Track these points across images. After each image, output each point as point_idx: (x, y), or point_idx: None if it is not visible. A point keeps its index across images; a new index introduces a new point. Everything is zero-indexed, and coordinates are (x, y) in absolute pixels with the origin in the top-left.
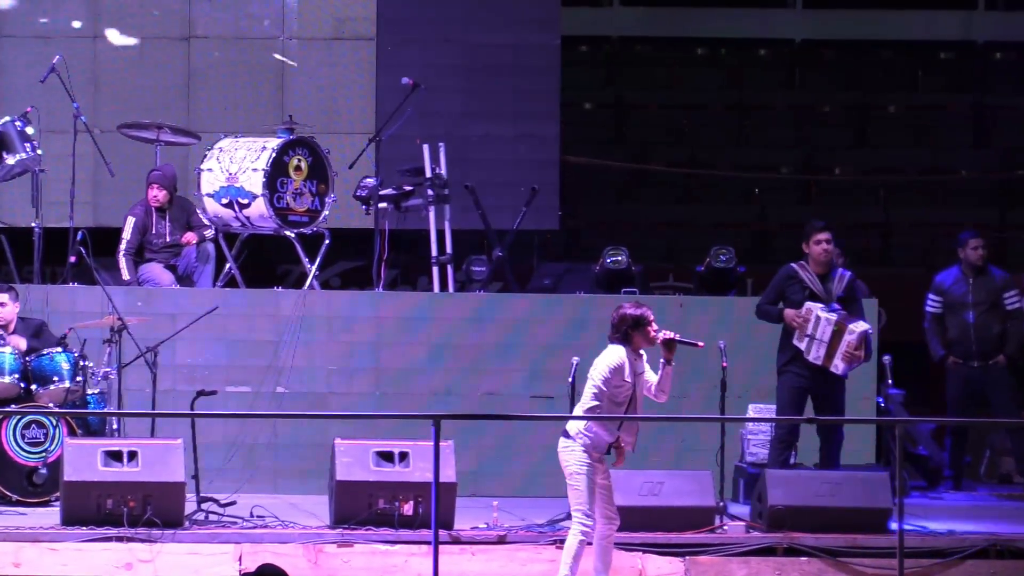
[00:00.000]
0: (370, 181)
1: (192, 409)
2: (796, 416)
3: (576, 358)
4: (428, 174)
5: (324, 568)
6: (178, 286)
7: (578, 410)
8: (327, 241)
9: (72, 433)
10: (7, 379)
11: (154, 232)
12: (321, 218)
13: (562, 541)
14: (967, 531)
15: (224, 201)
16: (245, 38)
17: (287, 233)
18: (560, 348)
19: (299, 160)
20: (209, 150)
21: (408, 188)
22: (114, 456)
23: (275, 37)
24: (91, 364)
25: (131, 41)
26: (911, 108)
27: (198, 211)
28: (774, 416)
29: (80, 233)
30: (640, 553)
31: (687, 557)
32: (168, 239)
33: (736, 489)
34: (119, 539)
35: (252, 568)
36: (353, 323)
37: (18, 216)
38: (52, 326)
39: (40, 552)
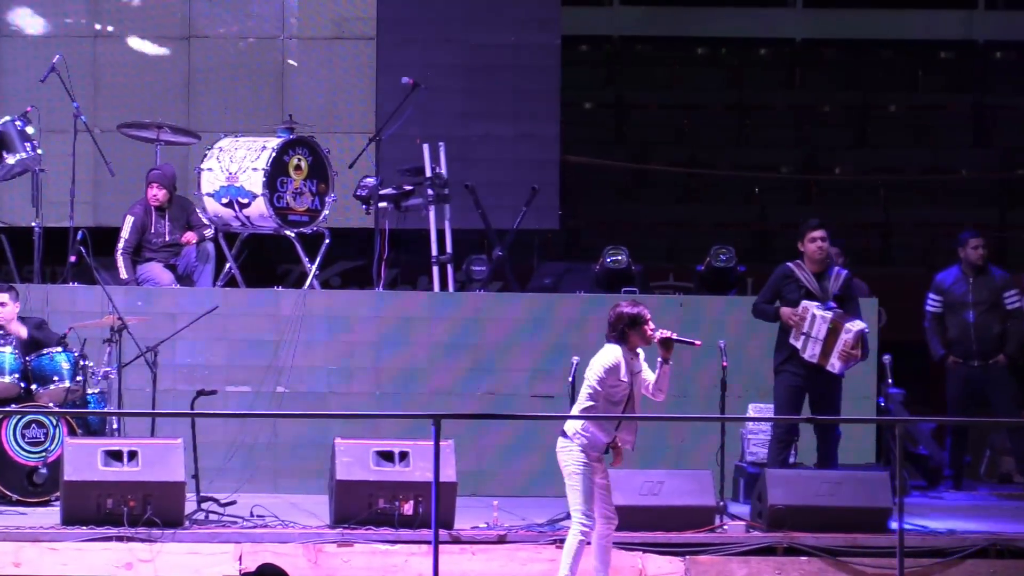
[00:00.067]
0: (370, 181)
1: (192, 409)
2: (793, 415)
3: (576, 358)
4: (428, 174)
5: (324, 568)
6: (178, 286)
7: (575, 410)
8: (327, 241)
9: (72, 433)
10: (7, 379)
11: (154, 231)
12: (321, 218)
13: (562, 541)
14: (967, 531)
15: (224, 200)
16: (245, 38)
17: (287, 233)
18: (560, 348)
19: (299, 160)
20: (209, 150)
21: (408, 188)
22: (114, 456)
23: (275, 37)
24: (91, 364)
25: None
26: (911, 108)
27: (198, 210)
28: (774, 416)
29: (80, 233)
30: (640, 553)
31: (687, 557)
32: (168, 238)
33: (736, 489)
34: (119, 539)
35: (252, 568)
36: (353, 323)
37: (18, 216)
38: (52, 326)
39: (40, 552)
